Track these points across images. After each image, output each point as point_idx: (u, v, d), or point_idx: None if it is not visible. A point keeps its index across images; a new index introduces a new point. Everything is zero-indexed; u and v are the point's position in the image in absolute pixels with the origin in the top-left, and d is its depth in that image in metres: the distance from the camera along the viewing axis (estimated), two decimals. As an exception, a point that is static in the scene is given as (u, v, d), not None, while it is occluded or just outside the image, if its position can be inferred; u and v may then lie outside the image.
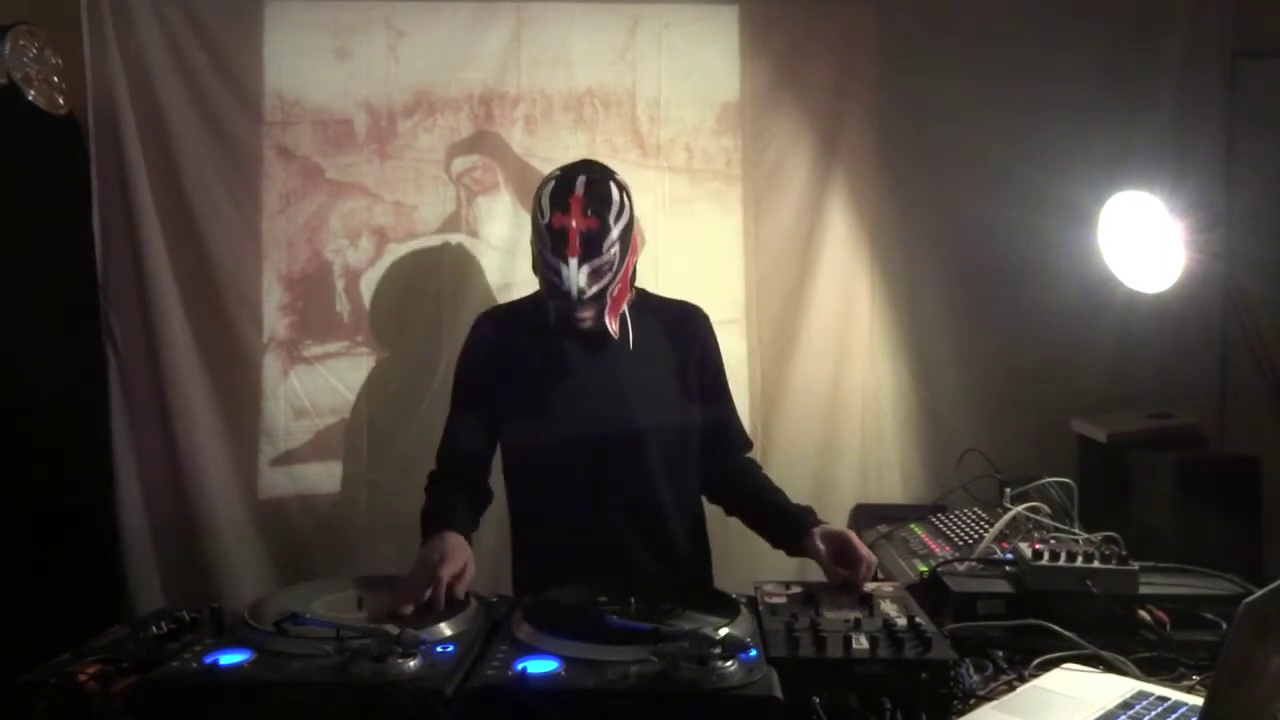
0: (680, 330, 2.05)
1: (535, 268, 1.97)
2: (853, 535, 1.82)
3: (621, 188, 1.94)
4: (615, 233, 1.89)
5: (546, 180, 1.95)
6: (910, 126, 2.70)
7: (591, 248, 1.86)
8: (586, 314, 1.91)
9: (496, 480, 2.04)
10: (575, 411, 1.95)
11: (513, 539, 2.07)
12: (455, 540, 1.71)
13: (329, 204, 2.65)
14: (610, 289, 1.90)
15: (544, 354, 1.97)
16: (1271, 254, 2.48)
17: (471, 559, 1.69)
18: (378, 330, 2.67)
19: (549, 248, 1.87)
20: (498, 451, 2.03)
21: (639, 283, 2.56)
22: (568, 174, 1.93)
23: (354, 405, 2.67)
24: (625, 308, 1.98)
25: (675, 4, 2.68)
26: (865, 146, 2.71)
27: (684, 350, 2.04)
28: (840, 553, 1.78)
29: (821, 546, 1.81)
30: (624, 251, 1.92)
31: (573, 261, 1.85)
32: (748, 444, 2.13)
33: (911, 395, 2.77)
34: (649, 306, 2.06)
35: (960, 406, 2.74)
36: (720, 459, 2.08)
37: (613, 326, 1.92)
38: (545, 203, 1.90)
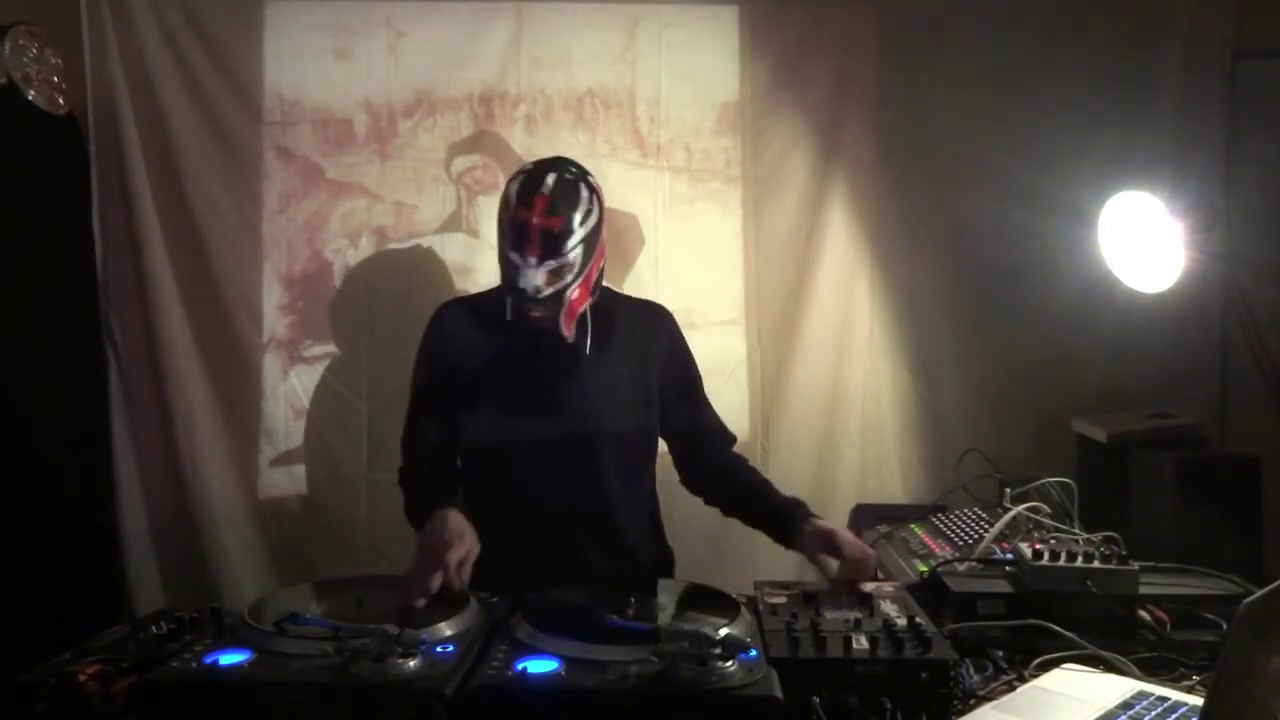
0: (643, 330, 2.05)
1: (499, 262, 1.95)
2: (840, 531, 1.81)
3: (593, 189, 1.93)
4: (579, 235, 1.86)
5: (516, 174, 1.93)
6: (910, 127, 2.70)
7: (552, 247, 1.83)
8: (541, 313, 1.88)
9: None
10: (528, 409, 1.95)
11: None
12: (456, 518, 1.70)
13: (329, 204, 2.65)
14: (568, 291, 1.87)
15: (500, 350, 1.96)
16: (1271, 254, 2.48)
17: (475, 538, 1.67)
18: (378, 330, 2.67)
19: (510, 242, 1.86)
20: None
21: (637, 282, 2.56)
22: (538, 170, 1.91)
23: (353, 405, 2.67)
24: (587, 308, 1.95)
25: (675, 4, 2.68)
26: (865, 147, 2.71)
27: (647, 350, 2.02)
28: (829, 551, 1.79)
29: (810, 547, 1.82)
30: (588, 254, 1.89)
31: (531, 260, 1.83)
32: (730, 438, 2.12)
33: (911, 395, 2.77)
34: (613, 306, 2.04)
35: (960, 406, 2.74)
36: (704, 458, 2.08)
37: (566, 329, 1.90)
38: (512, 196, 1.88)
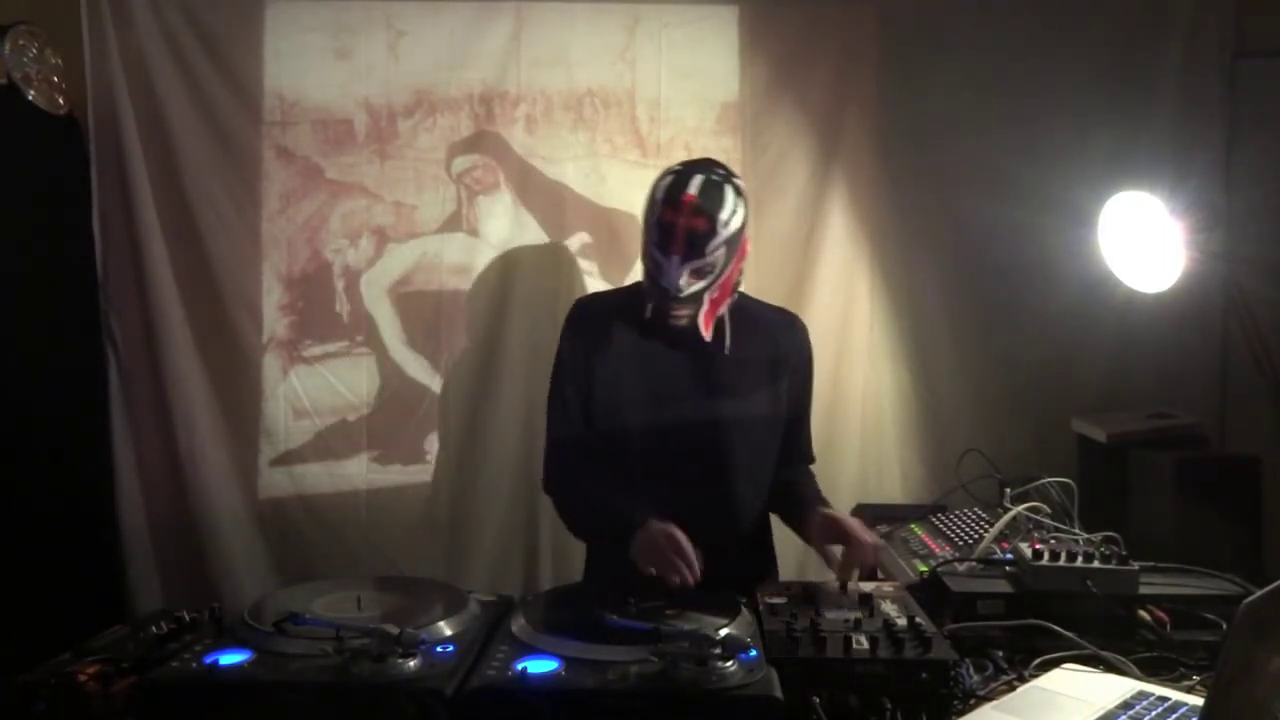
0: (777, 337, 2.04)
1: (642, 259, 1.96)
2: (846, 519, 1.82)
3: (739, 192, 1.92)
4: (722, 236, 1.86)
5: (665, 174, 1.94)
6: (910, 127, 2.70)
7: (695, 247, 1.84)
8: (682, 312, 1.90)
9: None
10: (660, 410, 1.94)
11: None
12: (661, 523, 1.72)
13: (329, 204, 2.65)
14: (709, 291, 1.88)
15: (639, 348, 1.96)
16: (1271, 254, 2.48)
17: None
18: (378, 330, 2.67)
19: (655, 242, 1.87)
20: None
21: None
22: (687, 170, 1.92)
23: (354, 405, 2.67)
24: (725, 309, 1.96)
25: (675, 4, 2.68)
26: (865, 147, 2.71)
27: (779, 358, 2.02)
28: (836, 538, 1.79)
29: (817, 535, 1.82)
30: (729, 256, 1.89)
31: (675, 259, 1.84)
32: (810, 458, 2.13)
33: (911, 395, 2.77)
34: (749, 311, 2.04)
35: (960, 406, 2.74)
36: (783, 470, 2.07)
37: (705, 330, 1.91)
38: (659, 196, 1.89)
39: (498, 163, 2.66)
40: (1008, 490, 2.16)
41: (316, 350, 2.67)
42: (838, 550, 1.79)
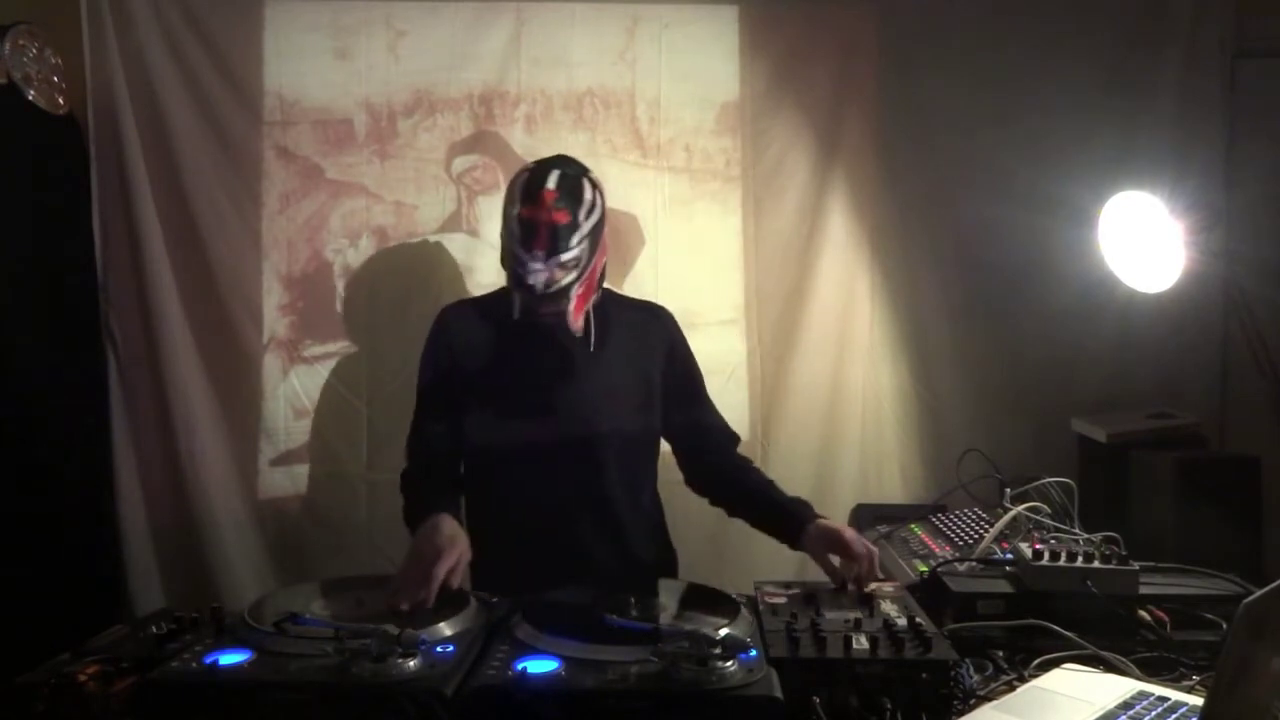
0: (644, 330, 2.06)
1: (503, 260, 1.97)
2: (845, 530, 1.81)
3: (595, 185, 1.95)
4: (584, 229, 1.89)
5: (520, 172, 1.96)
6: (910, 127, 2.69)
7: (559, 242, 1.86)
8: (550, 309, 1.91)
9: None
10: (531, 409, 1.95)
11: (470, 536, 2.06)
12: (449, 525, 1.71)
13: (329, 204, 2.65)
14: (575, 286, 1.90)
15: (504, 350, 1.97)
16: (1271, 254, 2.48)
17: (466, 545, 1.69)
18: (378, 330, 2.67)
19: (517, 239, 1.88)
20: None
21: (636, 282, 2.57)
22: (541, 167, 1.94)
23: (353, 405, 2.67)
24: (590, 307, 1.97)
25: (675, 4, 2.68)
26: (865, 147, 2.71)
27: (648, 350, 2.04)
28: (834, 549, 1.79)
29: (815, 547, 1.82)
30: (592, 249, 1.92)
31: (539, 254, 1.85)
32: (733, 438, 2.12)
33: (911, 395, 2.77)
34: (614, 306, 2.06)
35: (960, 406, 2.74)
36: (707, 458, 2.09)
37: (575, 324, 1.92)
38: (517, 194, 1.91)
39: (498, 163, 2.66)
40: (1008, 490, 2.17)
41: (316, 350, 2.67)
42: (836, 560, 1.79)
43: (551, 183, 1.89)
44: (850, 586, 1.72)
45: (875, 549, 1.78)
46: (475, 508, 1.99)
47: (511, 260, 1.90)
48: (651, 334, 2.07)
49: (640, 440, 2.03)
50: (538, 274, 1.85)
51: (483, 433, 1.97)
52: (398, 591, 1.59)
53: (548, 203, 1.87)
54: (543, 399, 1.97)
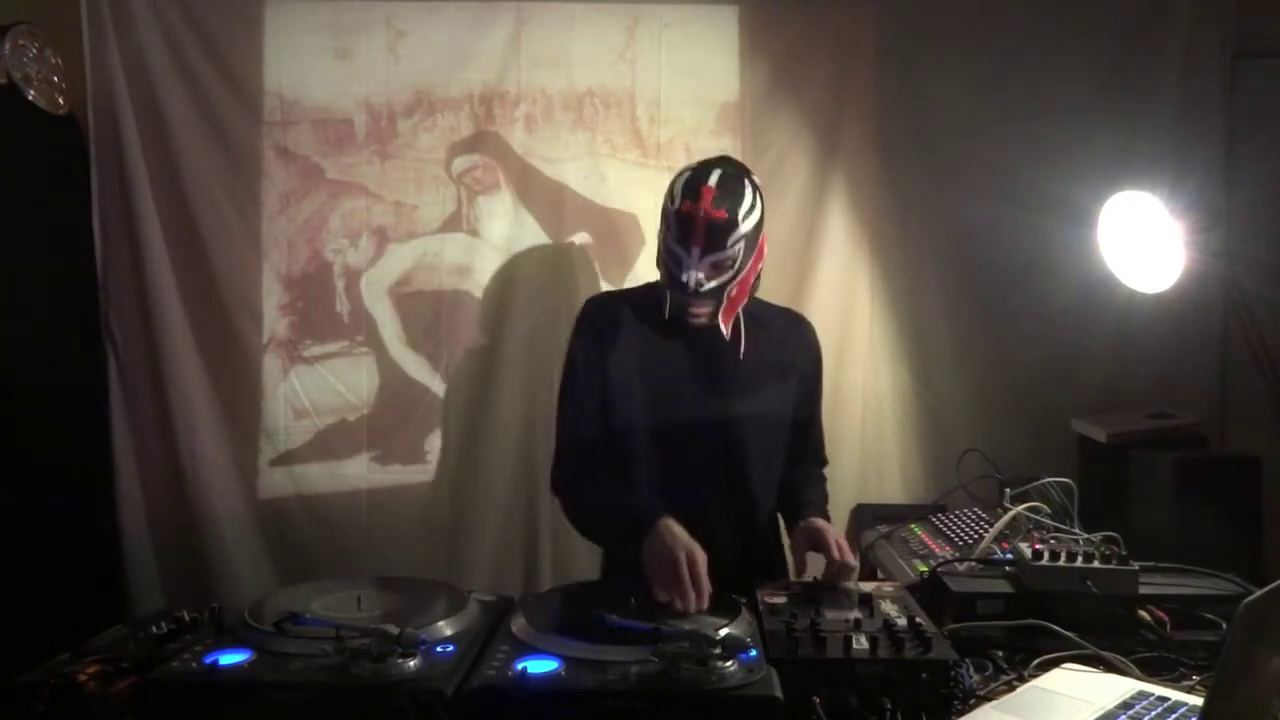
0: (787, 340, 2.04)
1: (658, 259, 1.95)
2: (826, 531, 1.78)
3: (756, 188, 1.92)
4: (742, 229, 1.85)
5: (683, 170, 1.93)
6: (910, 127, 2.70)
7: (716, 240, 1.83)
8: (702, 309, 1.89)
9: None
10: (679, 411, 1.93)
11: None
12: (679, 529, 1.67)
13: (329, 204, 2.65)
14: (729, 287, 1.88)
15: (655, 345, 1.95)
16: (1271, 254, 2.48)
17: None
18: (377, 330, 2.67)
19: (674, 235, 1.86)
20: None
21: (636, 282, 2.56)
22: (705, 165, 1.92)
23: (354, 405, 2.67)
24: (740, 312, 1.95)
25: (675, 4, 2.68)
26: (865, 147, 2.71)
27: (789, 360, 2.02)
28: (812, 546, 1.78)
29: (798, 541, 1.82)
30: (749, 252, 1.89)
31: (695, 251, 1.83)
32: (821, 459, 2.11)
33: (911, 395, 2.77)
34: (759, 313, 2.03)
35: (960, 406, 2.74)
36: (791, 466, 2.06)
37: (725, 327, 1.90)
38: (678, 190, 1.89)
39: (498, 163, 2.66)
40: (1008, 490, 2.16)
41: (316, 350, 2.67)
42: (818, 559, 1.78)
43: (713, 180, 1.86)
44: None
45: (854, 562, 1.74)
46: None
47: (667, 256, 1.89)
48: (791, 343, 2.04)
49: (776, 447, 2.01)
50: (691, 271, 1.83)
51: (626, 432, 1.93)
52: (673, 596, 1.56)
53: (707, 199, 1.84)
54: (688, 402, 1.94)
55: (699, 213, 1.83)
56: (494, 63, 2.65)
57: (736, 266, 1.86)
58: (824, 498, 2.02)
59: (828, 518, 1.91)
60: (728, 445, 1.94)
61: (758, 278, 1.98)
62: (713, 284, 1.85)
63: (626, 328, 1.97)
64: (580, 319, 2.02)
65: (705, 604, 1.57)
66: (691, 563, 1.59)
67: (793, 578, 1.76)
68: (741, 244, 1.86)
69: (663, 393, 1.94)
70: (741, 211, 1.86)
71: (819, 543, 1.77)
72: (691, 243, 1.83)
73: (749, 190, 1.89)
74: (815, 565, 1.83)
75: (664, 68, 2.68)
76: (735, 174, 1.90)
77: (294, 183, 2.63)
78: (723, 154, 1.99)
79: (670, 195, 1.91)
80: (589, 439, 1.94)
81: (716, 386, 1.95)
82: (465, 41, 2.64)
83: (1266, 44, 2.65)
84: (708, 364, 1.95)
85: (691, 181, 1.87)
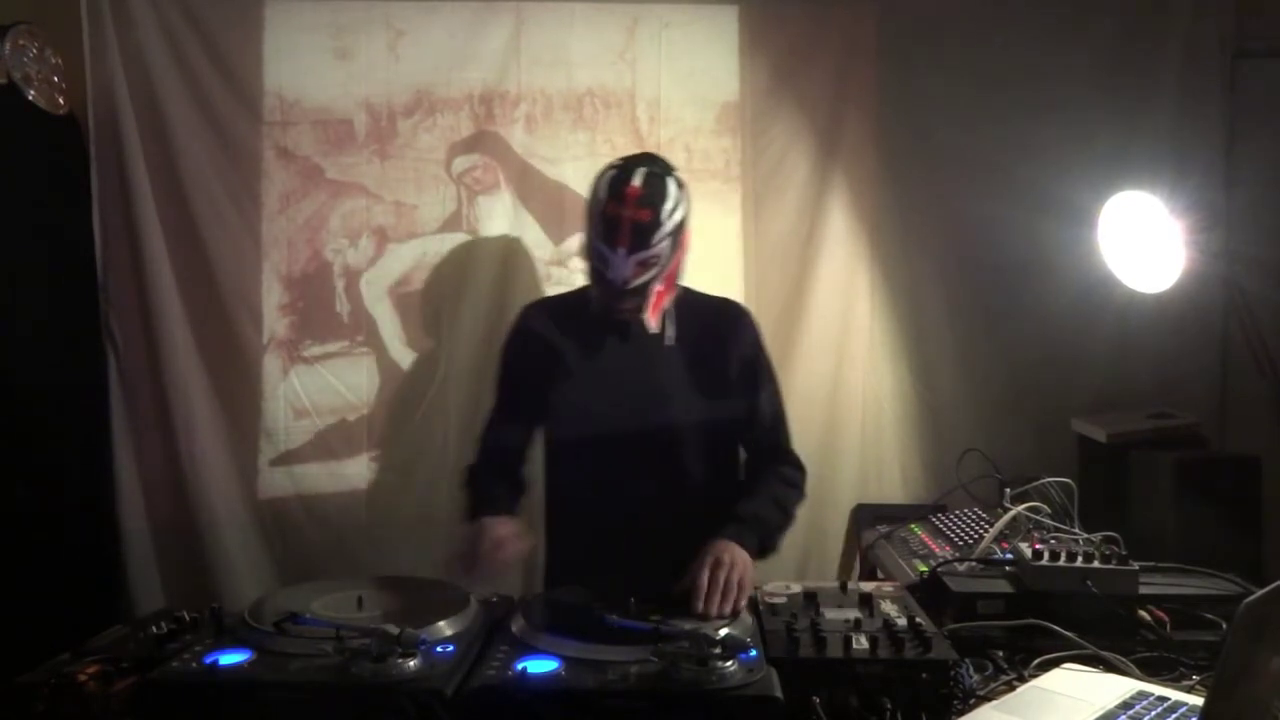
0: (721, 328, 2.05)
1: (584, 255, 1.99)
2: (710, 551, 1.69)
3: (680, 185, 1.96)
4: (667, 227, 1.90)
5: (607, 169, 1.96)
6: (910, 127, 2.69)
7: (641, 240, 1.87)
8: (629, 305, 1.92)
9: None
10: (610, 405, 1.96)
11: (546, 531, 2.08)
12: (508, 524, 1.76)
13: (329, 204, 2.64)
14: (655, 283, 1.91)
15: (585, 346, 1.99)
16: (1271, 254, 2.48)
17: (515, 530, 1.74)
18: (378, 330, 2.67)
19: (600, 235, 1.89)
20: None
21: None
22: (628, 164, 1.95)
23: (354, 405, 2.67)
24: (670, 302, 1.98)
25: (675, 4, 2.68)
26: (865, 146, 2.71)
27: (725, 348, 2.03)
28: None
29: (700, 554, 1.72)
30: (673, 248, 1.93)
31: (620, 251, 1.86)
32: (782, 451, 2.06)
33: (911, 395, 2.77)
34: (692, 303, 2.06)
35: (960, 406, 2.74)
36: (754, 457, 2.07)
37: (652, 322, 1.93)
38: (602, 191, 1.92)
39: (498, 163, 2.66)
40: (1008, 490, 2.17)
41: (316, 350, 2.67)
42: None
43: (637, 180, 1.90)
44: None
45: (719, 584, 1.61)
46: (554, 502, 2.02)
47: (593, 255, 1.92)
48: (726, 330, 2.05)
49: (715, 436, 2.02)
50: (616, 270, 1.86)
51: (561, 428, 1.99)
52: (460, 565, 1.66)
53: (632, 200, 1.88)
54: (619, 394, 1.97)
55: (624, 213, 1.87)
56: (494, 63, 2.64)
57: (662, 262, 1.90)
58: (766, 506, 1.90)
59: (747, 538, 1.78)
60: (663, 437, 1.96)
61: (682, 268, 2.01)
62: (639, 281, 1.88)
63: (558, 331, 2.01)
64: (515, 324, 2.08)
65: (482, 577, 1.65)
66: (484, 539, 1.68)
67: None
68: (667, 241, 1.90)
69: (597, 389, 1.97)
70: (666, 210, 1.90)
71: (695, 569, 1.66)
72: (617, 243, 1.86)
73: (672, 187, 1.93)
74: (816, 571, 1.84)
75: (664, 68, 2.68)
76: (658, 172, 1.94)
77: (294, 183, 2.63)
78: (645, 151, 2.05)
79: (594, 194, 1.94)
80: (502, 449, 2.01)
81: (646, 377, 1.97)
82: (465, 41, 2.64)
83: (1266, 44, 2.65)
84: (638, 357, 1.97)
85: (615, 182, 1.91)
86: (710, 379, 2.00)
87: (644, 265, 1.88)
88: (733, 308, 2.12)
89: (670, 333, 1.98)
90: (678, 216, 1.93)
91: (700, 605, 1.57)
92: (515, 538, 1.74)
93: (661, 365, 1.98)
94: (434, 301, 2.68)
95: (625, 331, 1.96)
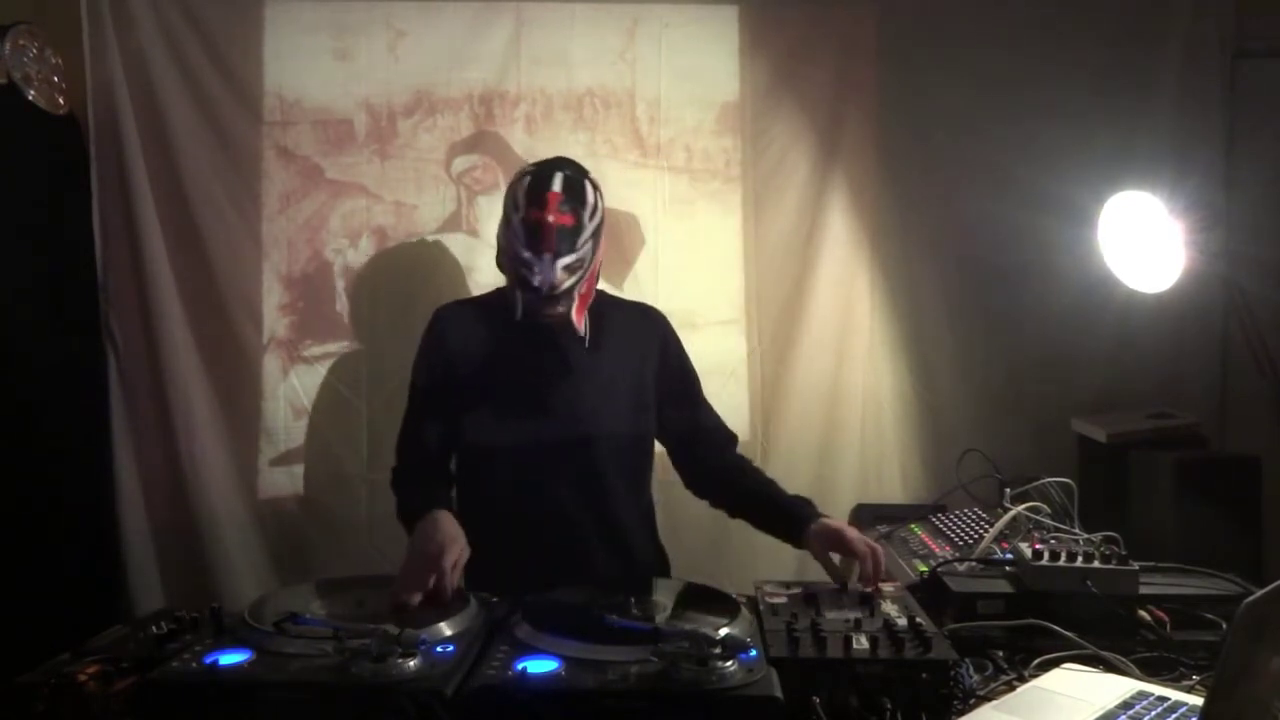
0: (638, 332, 2.07)
1: (500, 262, 1.99)
2: (846, 528, 1.81)
3: (595, 187, 1.97)
4: (588, 231, 1.91)
5: (521, 175, 1.97)
6: (910, 127, 2.69)
7: (565, 245, 1.88)
8: (555, 310, 1.92)
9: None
10: (527, 409, 1.96)
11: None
12: (447, 520, 1.72)
13: (329, 204, 2.65)
14: (579, 286, 1.92)
15: (500, 350, 1.99)
16: (1271, 254, 2.48)
17: (465, 541, 1.70)
18: (378, 330, 2.67)
19: (523, 242, 1.89)
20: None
21: (637, 282, 2.57)
22: (544, 170, 1.95)
23: (353, 405, 2.67)
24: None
25: (675, 4, 2.68)
26: (865, 147, 2.71)
27: (642, 352, 2.05)
28: (835, 547, 1.79)
29: (815, 546, 1.81)
30: (594, 249, 1.94)
31: (547, 256, 1.86)
32: (730, 438, 2.13)
33: (911, 395, 2.77)
34: (608, 307, 2.08)
35: (960, 406, 2.74)
36: (705, 459, 2.09)
37: (579, 323, 1.94)
38: (521, 198, 1.92)
39: (498, 163, 2.66)
40: (1008, 490, 2.17)
41: (316, 350, 2.67)
42: (837, 558, 1.79)
43: (557, 185, 1.91)
44: (853, 585, 1.71)
45: (879, 547, 1.77)
46: (470, 507, 1.98)
47: (515, 262, 1.91)
48: (644, 334, 2.08)
49: (635, 440, 2.04)
50: (543, 276, 1.86)
51: (479, 432, 1.97)
52: (404, 587, 1.59)
53: (553, 205, 1.88)
54: (540, 398, 1.98)
55: (547, 219, 1.87)
56: (494, 63, 2.65)
57: (584, 266, 1.92)
58: (789, 496, 1.97)
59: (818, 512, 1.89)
60: (584, 440, 1.96)
61: (599, 269, 2.03)
62: (566, 284, 1.89)
63: (475, 333, 2.02)
64: (429, 327, 2.06)
65: (428, 598, 1.59)
66: (432, 556, 1.62)
67: (842, 584, 1.75)
68: (589, 244, 1.92)
69: (516, 392, 1.98)
70: (586, 213, 1.92)
71: (840, 542, 1.78)
72: (543, 249, 1.87)
73: (590, 190, 1.95)
74: (816, 570, 1.84)
75: (664, 68, 2.68)
76: (575, 176, 1.95)
77: (294, 183, 2.63)
78: (558, 155, 2.05)
79: (514, 201, 1.94)
80: (425, 450, 1.98)
81: (569, 382, 1.98)
82: (465, 41, 2.64)
83: (1266, 44, 2.65)
84: (560, 361, 1.98)
85: (535, 188, 1.91)
86: (629, 383, 2.02)
87: (569, 269, 1.88)
88: (651, 311, 2.14)
89: (587, 335, 1.98)
90: (597, 219, 1.94)
91: (873, 584, 1.69)
92: (465, 550, 1.68)
93: (582, 369, 1.98)
94: (433, 301, 2.67)
95: (548, 336, 1.96)
